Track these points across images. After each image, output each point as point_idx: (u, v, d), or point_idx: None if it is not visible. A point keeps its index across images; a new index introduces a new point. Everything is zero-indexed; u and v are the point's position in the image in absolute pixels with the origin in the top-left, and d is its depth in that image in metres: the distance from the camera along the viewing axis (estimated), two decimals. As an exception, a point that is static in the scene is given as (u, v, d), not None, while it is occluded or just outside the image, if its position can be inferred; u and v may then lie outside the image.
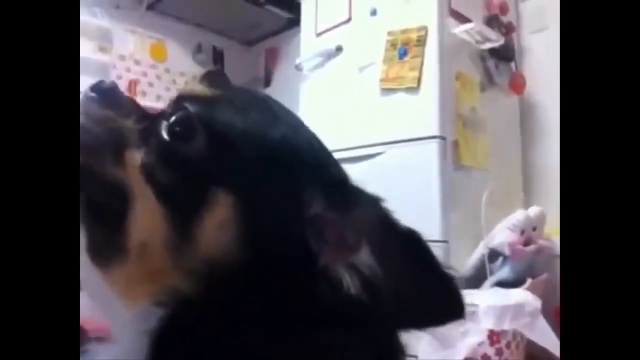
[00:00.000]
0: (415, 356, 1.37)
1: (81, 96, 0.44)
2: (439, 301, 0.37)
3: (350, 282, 0.36)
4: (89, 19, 2.66)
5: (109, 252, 0.40)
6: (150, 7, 2.91)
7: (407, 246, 0.37)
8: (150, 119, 0.44)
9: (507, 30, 1.97)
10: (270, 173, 0.40)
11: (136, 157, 0.41)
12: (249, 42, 3.35)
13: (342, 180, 0.42)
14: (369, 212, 0.39)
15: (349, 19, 2.02)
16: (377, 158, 1.78)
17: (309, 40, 2.21)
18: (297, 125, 0.44)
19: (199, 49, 3.16)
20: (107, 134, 0.42)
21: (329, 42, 2.07)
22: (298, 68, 2.20)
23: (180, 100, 0.43)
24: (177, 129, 0.41)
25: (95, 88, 0.45)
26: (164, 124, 0.41)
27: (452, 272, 0.37)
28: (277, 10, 2.84)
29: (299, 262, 0.37)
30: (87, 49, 2.63)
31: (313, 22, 2.19)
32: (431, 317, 0.38)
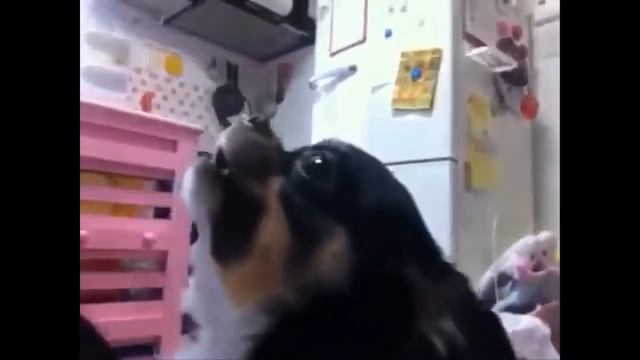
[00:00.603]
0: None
1: (242, 123, 0.52)
2: None
3: (437, 343, 0.40)
4: (107, 32, 2.72)
5: (232, 252, 0.45)
6: (167, 22, 2.96)
7: (485, 326, 0.42)
8: (289, 155, 0.52)
9: (521, 54, 1.99)
10: (383, 226, 0.46)
11: (276, 182, 0.48)
12: (263, 59, 3.39)
13: (438, 254, 0.47)
14: (456, 287, 0.44)
15: (364, 40, 2.04)
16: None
17: (323, 58, 2.23)
18: (408, 195, 0.51)
19: (213, 63, 3.21)
20: (258, 157, 0.50)
21: (343, 61, 2.09)
22: (312, 86, 2.22)
23: (320, 148, 0.51)
24: (314, 169, 0.48)
25: (253, 120, 0.53)
26: (301, 162, 0.49)
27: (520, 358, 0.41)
28: (292, 28, 2.88)
29: (394, 309, 0.42)
30: (104, 61, 2.68)
31: (328, 41, 2.21)
32: None
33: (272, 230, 0.45)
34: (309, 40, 2.63)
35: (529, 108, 2.02)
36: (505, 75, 1.91)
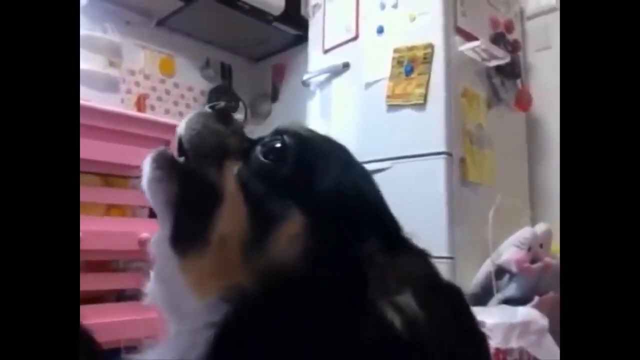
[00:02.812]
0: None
1: (200, 111, 0.53)
2: (470, 356, 0.40)
3: (395, 319, 0.39)
4: (100, 34, 2.71)
5: (191, 241, 0.45)
6: (160, 24, 2.95)
7: (447, 300, 0.41)
8: (250, 141, 0.52)
9: (513, 48, 1.99)
10: (339, 208, 0.46)
11: (234, 166, 0.48)
12: (257, 58, 3.39)
13: (396, 229, 0.47)
14: (415, 262, 0.43)
15: (356, 37, 2.04)
16: (384, 174, 1.78)
17: (316, 56, 2.23)
18: (367, 175, 0.51)
19: (207, 64, 3.20)
20: (216, 144, 0.50)
21: (335, 59, 2.09)
22: (305, 84, 2.22)
23: (279, 132, 0.50)
24: (273, 154, 0.48)
25: (212, 107, 0.53)
26: (260, 147, 0.49)
27: (487, 332, 0.41)
28: (285, 27, 2.88)
29: (351, 287, 0.41)
30: (97, 64, 2.67)
31: (320, 39, 2.21)
32: None
33: (230, 217, 0.45)
34: (302, 38, 2.63)
35: (523, 101, 2.02)
36: (498, 69, 1.91)
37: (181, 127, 0.50)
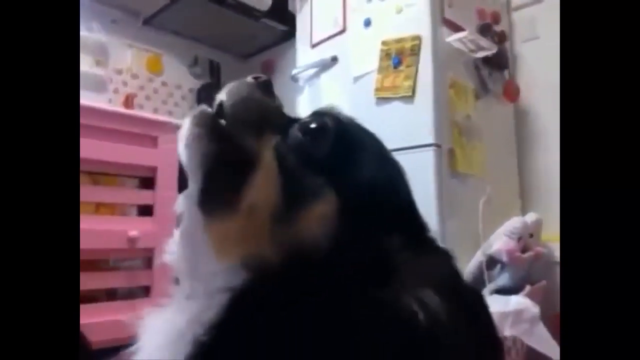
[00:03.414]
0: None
1: (245, 80, 0.52)
2: (486, 358, 0.41)
3: (420, 313, 0.38)
4: (86, 33, 2.68)
5: (219, 202, 0.45)
6: (146, 22, 2.93)
7: (467, 303, 0.41)
8: (288, 118, 0.52)
9: (500, 39, 1.99)
10: (372, 198, 0.46)
11: (272, 139, 0.48)
12: (245, 55, 3.37)
13: (422, 228, 0.48)
14: (439, 262, 0.44)
15: (344, 30, 2.04)
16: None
17: (304, 51, 2.22)
18: (402, 172, 0.52)
19: (195, 62, 3.18)
20: (257, 113, 0.50)
21: (324, 53, 2.09)
22: (294, 79, 2.21)
23: (319, 114, 0.51)
24: (312, 132, 0.48)
25: (256, 77, 0.53)
26: (299, 125, 0.49)
27: (502, 338, 0.40)
28: (272, 23, 2.86)
29: (373, 276, 0.41)
30: (83, 63, 2.64)
31: (308, 34, 2.21)
32: None
33: (263, 186, 0.45)
34: (291, 34, 2.62)
35: (511, 92, 2.03)
36: (486, 60, 1.92)
37: (223, 93, 0.50)
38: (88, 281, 1.39)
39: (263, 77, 0.53)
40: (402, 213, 0.47)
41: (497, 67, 1.98)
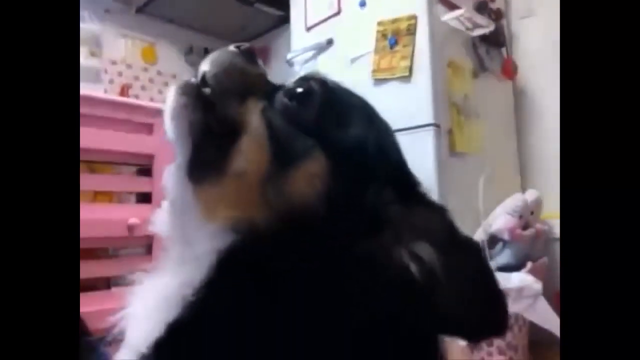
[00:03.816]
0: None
1: (226, 48, 0.52)
2: (485, 313, 0.40)
3: (413, 267, 0.39)
4: (79, 23, 2.65)
5: (208, 169, 0.45)
6: (140, 10, 2.90)
7: (466, 253, 0.40)
8: (273, 86, 0.52)
9: (497, 16, 1.97)
10: (361, 156, 0.45)
11: (258, 104, 0.48)
12: (240, 42, 3.34)
13: (413, 183, 0.47)
14: (432, 215, 0.43)
15: (339, 12, 2.01)
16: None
17: (299, 35, 2.20)
18: (390, 132, 0.51)
19: (190, 50, 3.16)
20: (241, 81, 0.49)
21: (319, 36, 2.07)
22: (289, 63, 2.19)
23: (305, 79, 0.50)
24: (298, 97, 0.48)
25: (238, 46, 0.52)
26: (285, 91, 0.49)
27: (503, 289, 0.40)
28: (267, 8, 2.84)
29: (364, 232, 0.41)
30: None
31: (303, 17, 2.18)
32: (474, 326, 0.40)
33: (250, 150, 0.45)
34: (285, 19, 2.59)
35: (509, 69, 2.01)
36: (483, 38, 1.90)
37: (206, 63, 0.50)
38: (87, 270, 1.38)
39: (245, 44, 0.53)
40: (393, 169, 0.47)
41: (494, 44, 1.96)
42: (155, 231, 0.49)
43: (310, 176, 0.43)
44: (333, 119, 0.47)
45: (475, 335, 0.41)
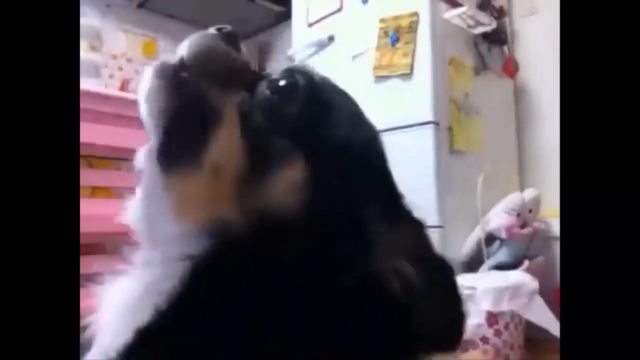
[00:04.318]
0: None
1: (207, 31, 0.48)
2: (451, 331, 0.41)
3: (394, 281, 0.38)
4: (80, 18, 2.65)
5: (180, 158, 0.42)
6: (140, 5, 2.90)
7: (439, 272, 0.41)
8: (256, 74, 0.48)
9: (499, 14, 1.96)
10: (345, 164, 0.43)
11: (237, 95, 0.45)
12: (241, 38, 3.32)
13: (397, 197, 0.45)
14: (410, 233, 0.42)
15: (340, 8, 2.01)
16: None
17: (300, 31, 2.20)
18: (378, 137, 0.48)
19: (191, 45, 3.15)
20: (221, 65, 0.46)
21: (320, 32, 2.06)
22: (290, 59, 2.19)
23: (289, 71, 0.46)
24: (281, 90, 0.45)
25: (220, 29, 0.48)
26: (268, 82, 0.46)
27: (467, 310, 0.42)
28: (268, 4, 2.83)
29: (346, 247, 0.40)
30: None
31: (304, 13, 2.18)
32: (440, 341, 0.40)
33: (225, 144, 0.42)
34: (286, 15, 2.59)
35: (510, 68, 2.01)
36: (484, 35, 1.89)
37: (183, 46, 0.46)
38: (86, 265, 1.39)
39: (227, 27, 0.48)
40: (377, 181, 0.44)
41: (496, 42, 1.95)
42: (126, 223, 0.46)
43: (287, 184, 0.41)
44: (317, 119, 0.44)
45: (436, 350, 0.40)
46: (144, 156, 0.45)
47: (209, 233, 0.39)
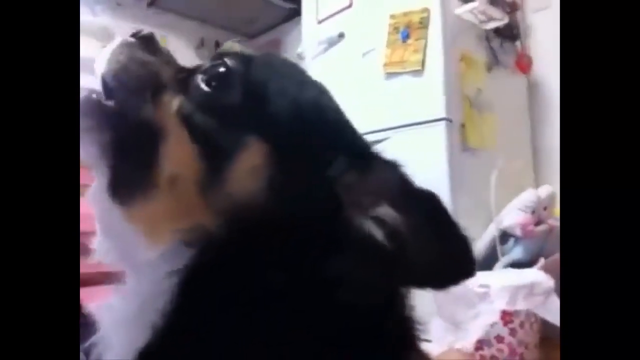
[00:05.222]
0: (429, 340, 1.36)
1: (122, 41, 0.46)
2: (453, 259, 0.38)
3: (375, 232, 0.37)
4: (90, 17, 2.66)
5: (134, 187, 0.41)
6: (151, 4, 2.90)
7: (425, 206, 0.38)
8: (186, 70, 0.46)
9: (511, 9, 1.94)
10: (301, 130, 0.41)
11: (173, 101, 0.43)
12: (251, 35, 3.33)
13: (363, 144, 0.44)
14: (388, 174, 0.40)
15: (350, 5, 2.00)
16: (384, 143, 1.76)
17: (310, 28, 2.19)
18: (324, 92, 0.46)
19: (201, 44, 3.16)
20: (147, 77, 0.44)
21: (330, 29, 2.05)
22: (300, 57, 2.18)
23: (220, 56, 0.45)
24: (216, 81, 0.43)
25: (135, 34, 0.46)
26: (201, 76, 0.44)
27: (465, 233, 0.39)
28: (278, 1, 2.82)
29: (323, 212, 0.38)
30: (89, 48, 2.63)
31: (314, 10, 2.17)
32: (445, 274, 0.39)
33: (176, 156, 0.41)
34: (296, 12, 2.58)
35: (523, 63, 1.98)
36: (496, 31, 1.87)
37: (101, 63, 0.44)
38: (84, 265, 1.39)
39: (142, 31, 0.47)
40: (337, 135, 0.43)
41: (508, 38, 1.93)
42: (101, 262, 0.44)
43: (248, 169, 0.39)
44: (260, 96, 0.42)
45: (448, 282, 0.39)
46: (93, 196, 0.44)
47: (187, 244, 0.38)
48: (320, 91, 0.46)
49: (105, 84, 0.44)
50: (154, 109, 0.43)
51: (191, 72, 0.45)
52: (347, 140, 0.43)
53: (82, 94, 0.44)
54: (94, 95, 0.44)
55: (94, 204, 0.44)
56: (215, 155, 0.40)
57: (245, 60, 0.44)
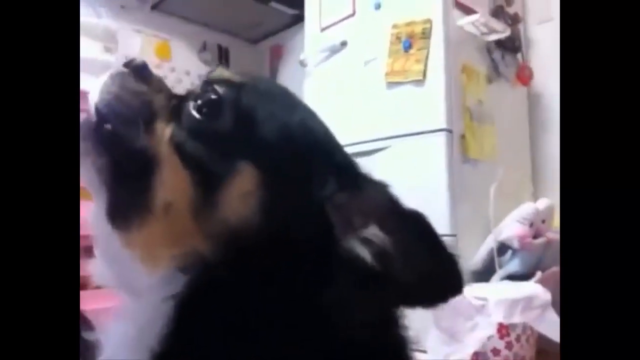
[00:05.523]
0: (424, 351, 1.36)
1: (114, 71, 0.47)
2: (441, 278, 0.40)
3: (364, 253, 0.38)
4: (94, 19, 2.67)
5: (131, 212, 0.42)
6: (155, 7, 2.91)
7: (412, 226, 0.39)
8: (178, 98, 0.48)
9: (513, 21, 1.95)
10: (290, 153, 0.43)
11: (165, 129, 0.45)
12: (254, 40, 3.34)
13: (352, 165, 0.45)
14: (376, 194, 0.41)
15: (353, 13, 2.00)
16: (384, 152, 1.77)
17: (313, 35, 2.19)
18: (312, 114, 0.48)
19: (204, 47, 3.17)
20: (140, 106, 0.46)
21: (333, 37, 2.06)
22: (302, 64, 2.19)
23: (209, 84, 0.46)
24: (207, 108, 0.44)
25: (128, 64, 0.48)
26: (192, 103, 0.45)
27: (453, 251, 0.40)
28: (281, 7, 2.83)
29: (315, 234, 0.40)
30: (92, 50, 2.64)
31: (317, 17, 2.17)
32: (434, 292, 0.40)
33: (170, 183, 0.42)
34: (299, 18, 2.59)
35: (524, 75, 1.99)
36: (498, 43, 1.88)
37: (95, 93, 0.45)
38: (85, 267, 1.39)
39: (134, 60, 0.48)
40: (326, 157, 0.44)
41: (510, 50, 1.94)
42: (99, 284, 0.46)
43: (240, 194, 0.40)
44: (250, 122, 0.43)
45: (437, 300, 0.40)
46: (93, 222, 0.45)
47: (183, 270, 0.39)
48: (307, 114, 0.47)
49: (99, 113, 0.45)
50: (148, 137, 0.44)
51: (183, 99, 0.47)
52: (337, 161, 0.44)
53: (82, 117, 0.45)
54: (93, 120, 0.45)
55: (93, 228, 0.45)
56: (207, 182, 0.41)
57: (235, 87, 0.46)
